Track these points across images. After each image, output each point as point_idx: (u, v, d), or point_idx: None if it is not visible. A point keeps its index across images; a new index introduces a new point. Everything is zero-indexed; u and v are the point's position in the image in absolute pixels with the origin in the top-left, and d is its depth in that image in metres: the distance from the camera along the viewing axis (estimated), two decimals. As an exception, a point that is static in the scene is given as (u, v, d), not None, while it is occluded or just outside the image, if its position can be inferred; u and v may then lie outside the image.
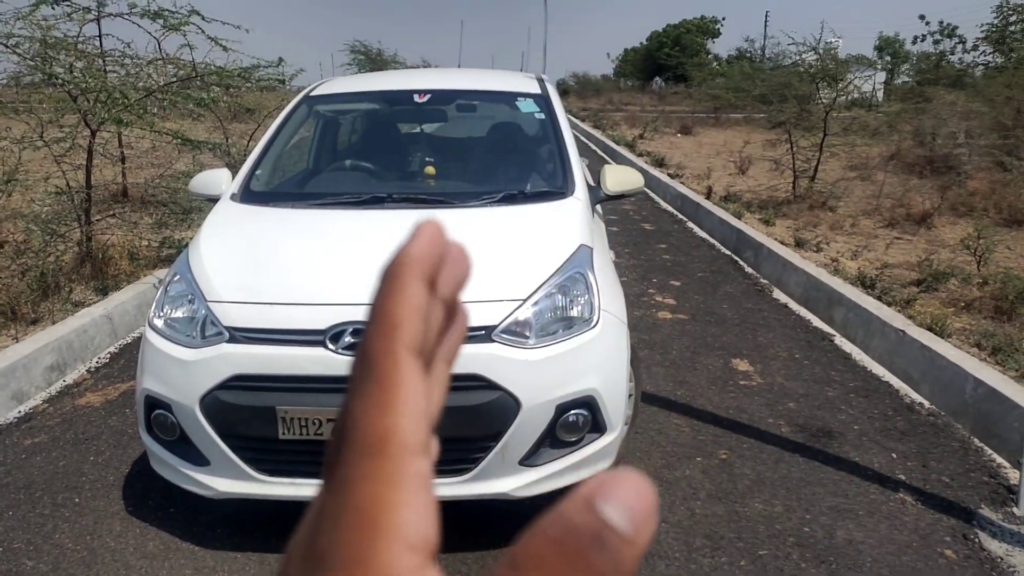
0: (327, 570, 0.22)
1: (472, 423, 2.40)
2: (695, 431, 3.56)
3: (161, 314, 2.70)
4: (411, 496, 0.22)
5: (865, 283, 5.30)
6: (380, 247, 2.89)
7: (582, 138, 18.45)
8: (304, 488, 2.49)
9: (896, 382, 4.20)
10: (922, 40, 22.79)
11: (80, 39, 5.95)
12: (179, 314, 2.67)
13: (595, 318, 2.64)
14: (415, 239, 0.26)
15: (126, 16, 6.26)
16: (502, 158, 4.07)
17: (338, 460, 0.23)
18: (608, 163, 4.59)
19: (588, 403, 2.54)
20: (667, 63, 56.61)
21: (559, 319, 2.61)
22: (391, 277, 0.25)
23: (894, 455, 3.38)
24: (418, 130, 4.73)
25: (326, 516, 0.23)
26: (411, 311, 0.25)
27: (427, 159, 3.99)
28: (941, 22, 22.07)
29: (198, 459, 2.53)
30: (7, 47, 5.36)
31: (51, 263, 4.98)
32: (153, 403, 2.57)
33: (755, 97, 11.46)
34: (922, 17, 23.03)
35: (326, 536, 0.22)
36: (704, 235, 8.16)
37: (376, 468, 0.22)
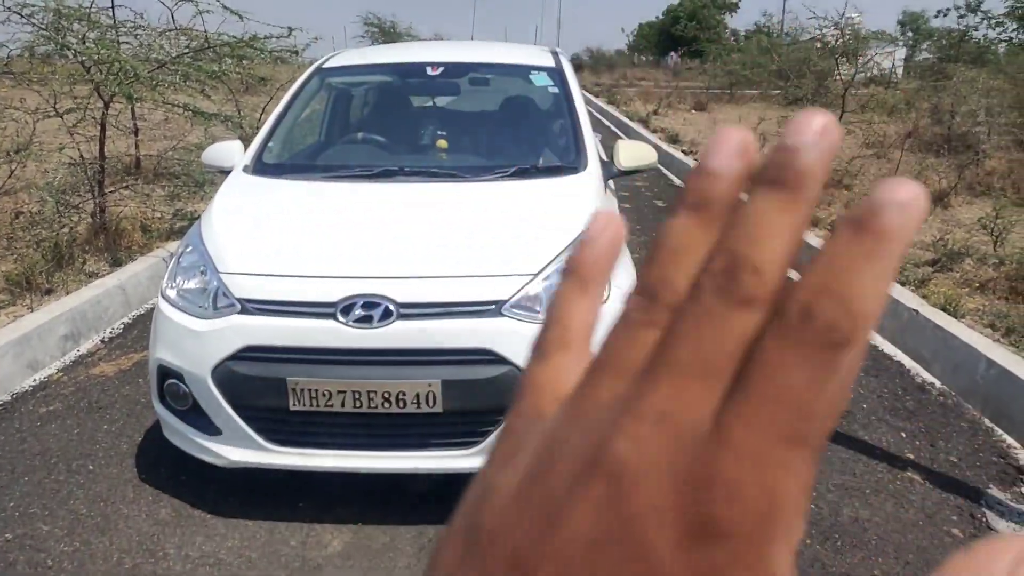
0: None
1: (481, 397, 2.41)
2: (704, 408, 3.56)
3: (174, 285, 2.71)
4: None
5: (879, 262, 5.24)
6: (391, 220, 2.90)
7: (595, 113, 18.29)
8: (313, 458, 2.52)
9: (907, 361, 4.18)
10: (945, 15, 22.24)
11: (93, 9, 5.94)
12: (191, 285, 2.68)
13: (607, 294, 2.63)
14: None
15: (138, -14, 6.25)
16: (515, 132, 4.04)
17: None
18: (621, 139, 4.54)
19: None
20: (684, 35, 55.72)
21: (569, 294, 2.60)
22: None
23: (903, 434, 3.38)
24: (431, 103, 4.70)
25: None
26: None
27: (439, 132, 3.97)
28: (968, -5, 21.46)
29: (210, 428, 2.56)
30: (22, 16, 5.36)
31: (65, 234, 5.02)
32: (166, 373, 2.60)
33: (772, 72, 11.33)
34: None
35: None
36: (717, 212, 8.08)
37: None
